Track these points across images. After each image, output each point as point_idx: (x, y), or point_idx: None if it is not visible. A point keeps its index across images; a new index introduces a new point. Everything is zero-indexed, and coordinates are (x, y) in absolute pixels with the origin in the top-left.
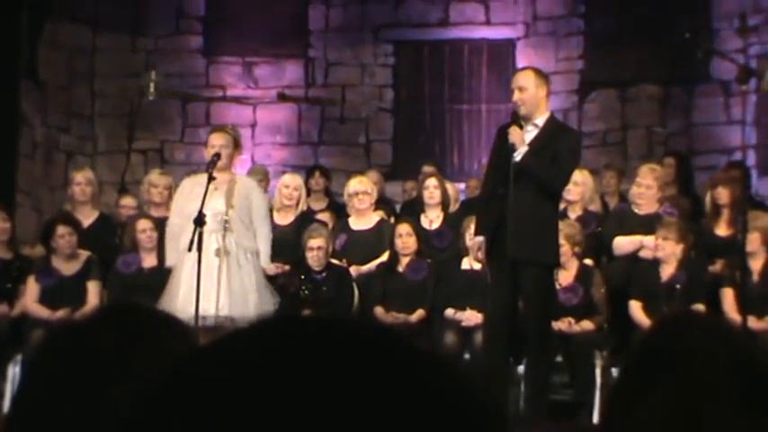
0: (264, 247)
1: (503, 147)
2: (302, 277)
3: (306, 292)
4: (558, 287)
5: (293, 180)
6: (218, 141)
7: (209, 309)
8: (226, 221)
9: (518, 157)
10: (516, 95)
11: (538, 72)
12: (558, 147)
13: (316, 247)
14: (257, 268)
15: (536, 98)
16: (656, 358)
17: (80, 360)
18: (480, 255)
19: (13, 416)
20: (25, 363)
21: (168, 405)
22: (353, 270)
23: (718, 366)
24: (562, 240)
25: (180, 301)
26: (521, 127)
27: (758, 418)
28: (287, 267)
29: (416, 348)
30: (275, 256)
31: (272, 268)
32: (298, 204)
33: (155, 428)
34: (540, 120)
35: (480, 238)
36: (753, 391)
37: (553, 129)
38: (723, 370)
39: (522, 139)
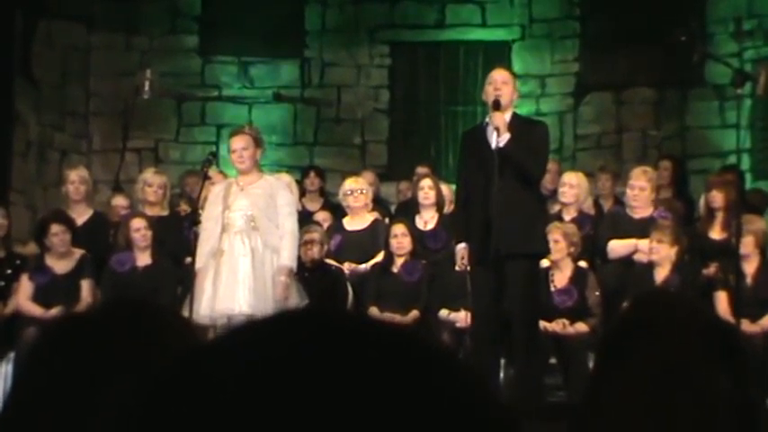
0: (287, 244)
1: (475, 148)
2: (296, 276)
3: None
4: (552, 289)
5: None
6: (238, 145)
7: (233, 308)
8: (252, 221)
9: (502, 142)
10: (499, 86)
11: (514, 74)
12: (530, 137)
13: (309, 241)
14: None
15: (511, 95)
16: (634, 332)
17: (84, 354)
18: (465, 261)
19: (6, 414)
20: (18, 360)
21: (173, 400)
22: (348, 267)
23: (693, 331)
24: (559, 237)
25: (204, 301)
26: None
27: (737, 372)
28: None
29: (426, 343)
30: None
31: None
32: None
33: (156, 425)
34: (506, 116)
35: (463, 245)
36: (726, 352)
37: (520, 122)
38: (698, 334)
39: (505, 124)
